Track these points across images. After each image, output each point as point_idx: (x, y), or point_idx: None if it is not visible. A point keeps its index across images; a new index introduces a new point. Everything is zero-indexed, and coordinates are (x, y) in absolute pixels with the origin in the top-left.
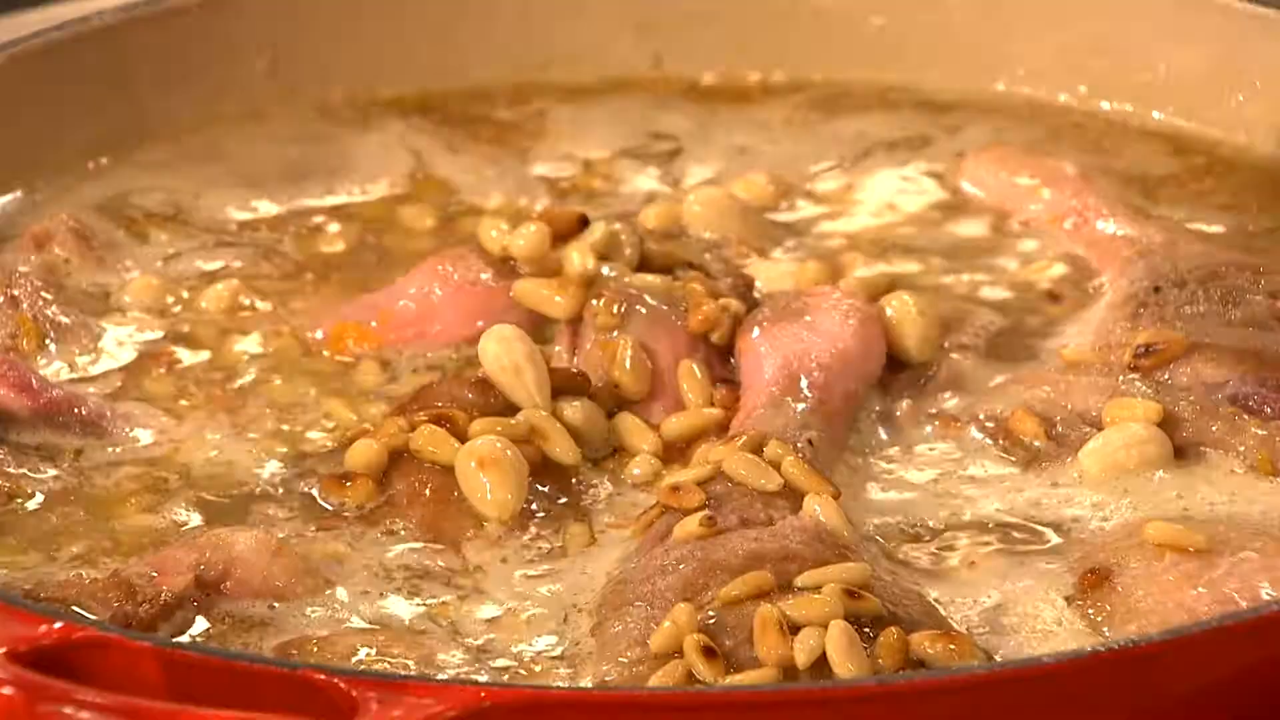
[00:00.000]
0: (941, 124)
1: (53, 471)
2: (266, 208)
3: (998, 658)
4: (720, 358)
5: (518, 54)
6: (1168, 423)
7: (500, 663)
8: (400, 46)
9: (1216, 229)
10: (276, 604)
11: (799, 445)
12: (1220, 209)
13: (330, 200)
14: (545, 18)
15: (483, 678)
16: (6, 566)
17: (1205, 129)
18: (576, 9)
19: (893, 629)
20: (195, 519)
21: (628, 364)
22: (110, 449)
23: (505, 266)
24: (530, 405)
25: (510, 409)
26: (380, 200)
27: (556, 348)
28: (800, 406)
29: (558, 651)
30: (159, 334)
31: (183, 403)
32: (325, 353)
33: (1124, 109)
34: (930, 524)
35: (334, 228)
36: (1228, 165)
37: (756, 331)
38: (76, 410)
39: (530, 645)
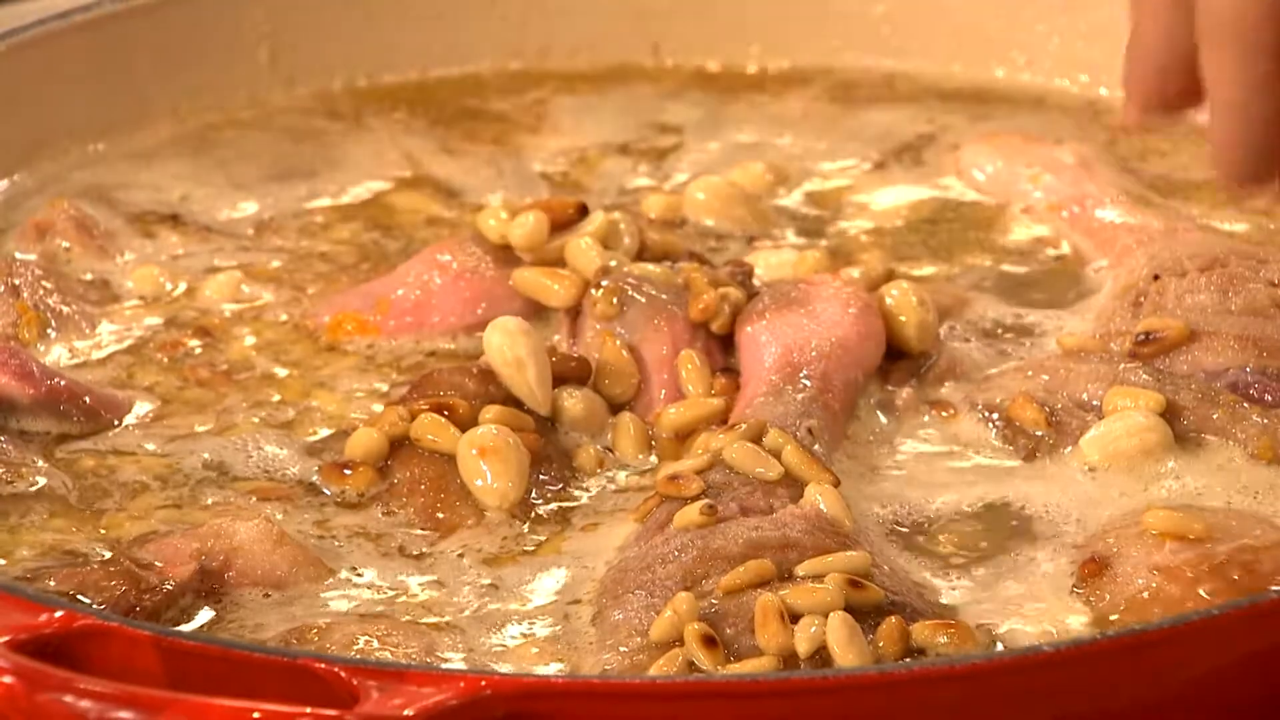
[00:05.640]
0: (940, 111)
1: (54, 459)
2: (266, 202)
3: (998, 646)
4: (720, 347)
5: (516, 42)
6: (1168, 411)
7: (500, 651)
8: (398, 34)
9: (1239, 227)
10: (278, 592)
11: (799, 434)
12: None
13: (328, 195)
14: (543, 4)
15: (483, 666)
16: (6, 554)
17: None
18: None
19: (893, 618)
20: (197, 507)
21: (610, 368)
22: (112, 436)
23: (504, 254)
24: (531, 400)
25: (511, 399)
26: (378, 195)
27: (556, 336)
28: (800, 395)
29: (558, 641)
30: (160, 323)
31: (184, 391)
32: (325, 341)
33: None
34: (930, 512)
35: (333, 223)
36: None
37: (756, 320)
38: (78, 398)
39: (530, 634)
